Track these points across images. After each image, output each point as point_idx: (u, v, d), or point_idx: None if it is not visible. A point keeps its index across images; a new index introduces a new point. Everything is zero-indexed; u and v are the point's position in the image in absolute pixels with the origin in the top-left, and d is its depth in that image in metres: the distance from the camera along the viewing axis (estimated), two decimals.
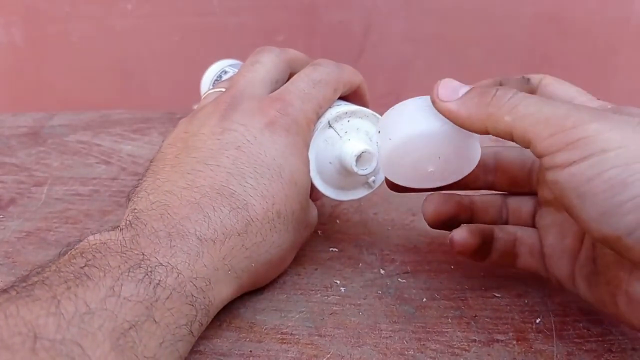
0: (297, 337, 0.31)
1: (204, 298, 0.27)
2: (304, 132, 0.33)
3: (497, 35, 0.60)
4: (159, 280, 0.25)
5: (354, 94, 0.38)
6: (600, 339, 0.31)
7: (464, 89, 0.28)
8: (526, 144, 0.25)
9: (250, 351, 0.30)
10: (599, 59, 0.59)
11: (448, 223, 0.34)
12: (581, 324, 0.32)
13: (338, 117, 0.34)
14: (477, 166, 0.31)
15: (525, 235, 0.33)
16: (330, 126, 0.34)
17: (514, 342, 0.30)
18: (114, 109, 0.61)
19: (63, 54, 0.66)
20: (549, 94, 0.29)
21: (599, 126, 0.23)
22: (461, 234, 0.32)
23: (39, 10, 0.65)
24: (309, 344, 0.30)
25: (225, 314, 0.32)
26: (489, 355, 0.30)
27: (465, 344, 0.30)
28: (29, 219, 0.40)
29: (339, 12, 0.61)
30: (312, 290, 0.34)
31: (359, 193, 0.36)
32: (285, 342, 0.30)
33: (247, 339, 0.30)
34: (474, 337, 0.31)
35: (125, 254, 0.25)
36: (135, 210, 0.29)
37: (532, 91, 0.30)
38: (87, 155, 0.52)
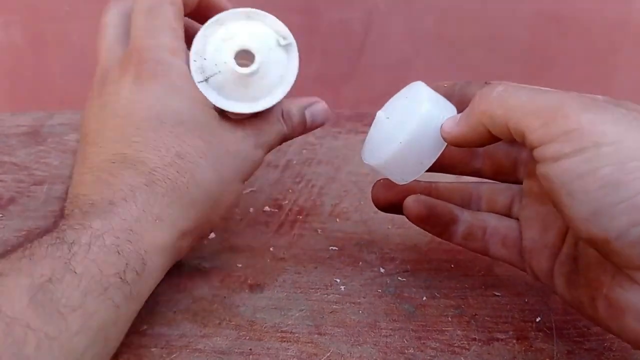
0: (297, 335, 0.31)
1: (133, 247, 0.27)
2: (174, 66, 0.32)
3: (497, 34, 0.60)
4: (74, 240, 0.26)
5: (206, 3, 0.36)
6: (600, 337, 0.31)
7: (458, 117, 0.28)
8: (521, 137, 0.24)
9: (250, 349, 0.30)
10: (599, 58, 0.59)
11: (397, 207, 0.33)
12: (581, 323, 0.32)
13: (210, 31, 0.32)
14: (466, 151, 0.32)
15: (500, 225, 0.32)
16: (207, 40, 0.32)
17: (514, 341, 0.30)
18: None
19: (63, 53, 0.66)
20: None
21: (593, 117, 0.22)
22: (408, 201, 0.32)
23: (39, 10, 0.65)
24: (308, 343, 0.30)
25: (225, 312, 0.32)
26: (489, 354, 0.30)
27: (465, 342, 0.30)
28: (29, 217, 0.40)
29: (339, 11, 0.61)
30: (312, 289, 0.34)
31: (267, 102, 0.33)
32: (285, 341, 0.30)
33: (247, 337, 0.30)
34: (474, 336, 0.31)
35: (45, 235, 0.27)
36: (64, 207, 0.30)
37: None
38: None
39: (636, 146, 0.21)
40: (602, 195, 0.21)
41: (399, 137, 0.29)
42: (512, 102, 0.24)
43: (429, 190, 0.34)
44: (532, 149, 0.23)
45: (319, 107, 0.36)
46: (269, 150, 0.34)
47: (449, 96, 0.30)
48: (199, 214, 0.31)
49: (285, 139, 0.35)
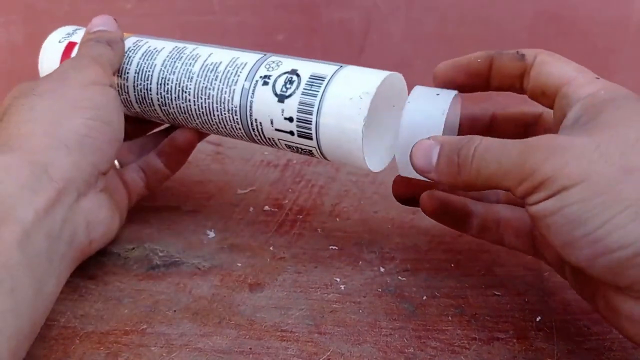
0: (297, 334, 0.31)
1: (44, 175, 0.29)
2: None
3: (498, 34, 0.60)
4: None
5: None
6: (600, 337, 0.31)
7: (435, 150, 0.28)
8: (507, 190, 0.26)
9: (250, 348, 0.30)
10: (599, 58, 0.59)
11: (416, 200, 0.34)
12: (582, 323, 0.31)
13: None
14: None
15: (513, 216, 0.33)
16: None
17: (514, 341, 0.30)
18: None
19: None
20: (545, 74, 0.28)
21: (555, 165, 0.23)
22: (423, 197, 0.34)
23: (39, 10, 0.65)
24: (308, 342, 0.30)
25: (225, 311, 0.32)
26: (489, 353, 0.30)
27: (466, 342, 0.30)
28: None
29: (339, 11, 0.60)
30: (312, 288, 0.34)
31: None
32: (285, 340, 0.30)
33: (247, 337, 0.30)
34: (474, 335, 0.31)
35: None
36: None
37: (526, 68, 0.29)
38: None
39: (598, 182, 0.22)
40: (569, 230, 0.23)
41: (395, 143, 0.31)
42: (485, 172, 0.26)
43: (443, 186, 0.34)
44: (518, 197, 0.25)
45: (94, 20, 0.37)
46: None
47: (482, 70, 0.31)
48: (91, 147, 0.32)
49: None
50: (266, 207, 0.42)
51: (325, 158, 0.32)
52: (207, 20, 0.62)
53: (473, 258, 0.37)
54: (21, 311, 0.25)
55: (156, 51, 0.36)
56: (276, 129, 0.32)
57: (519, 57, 0.30)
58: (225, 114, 0.34)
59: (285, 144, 0.33)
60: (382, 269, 0.36)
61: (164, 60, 0.35)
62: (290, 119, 0.31)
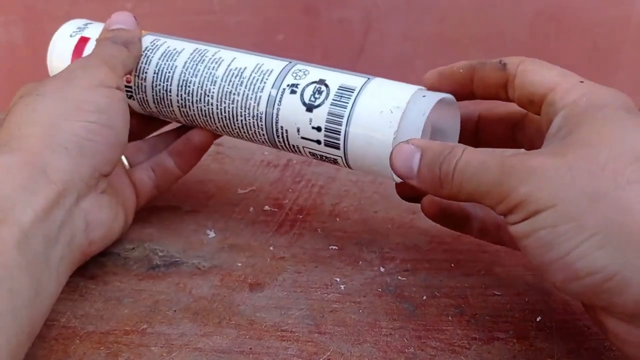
0: (297, 334, 0.31)
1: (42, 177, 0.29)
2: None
3: (497, 34, 0.60)
4: None
5: None
6: (600, 337, 0.31)
7: (416, 157, 0.28)
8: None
9: (250, 348, 0.30)
10: (599, 57, 0.59)
11: (419, 198, 0.35)
12: (582, 323, 0.32)
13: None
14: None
15: None
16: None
17: (514, 340, 0.30)
18: None
19: None
20: (529, 82, 0.28)
21: (529, 188, 0.24)
22: (424, 201, 0.34)
23: (39, 9, 0.65)
24: (309, 342, 0.30)
25: (225, 310, 0.32)
26: (489, 353, 0.30)
27: (466, 342, 0.30)
28: None
29: (339, 10, 0.61)
30: (312, 288, 0.34)
31: None
32: (285, 340, 0.30)
33: (247, 336, 0.30)
34: (475, 335, 0.31)
35: None
36: None
37: (508, 78, 0.29)
38: None
39: (566, 208, 0.23)
40: (541, 254, 0.24)
41: None
42: (467, 188, 0.26)
43: None
44: (499, 215, 0.26)
45: (113, 17, 0.37)
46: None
47: (465, 80, 0.31)
48: (89, 151, 0.31)
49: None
50: (266, 207, 0.42)
51: (349, 167, 0.33)
52: (207, 20, 0.62)
53: (473, 258, 0.37)
54: (20, 312, 0.25)
55: (176, 52, 0.36)
56: (302, 137, 0.33)
57: (501, 66, 0.29)
58: (249, 119, 0.34)
59: (310, 152, 0.33)
60: (382, 269, 0.36)
61: (185, 62, 0.35)
62: (319, 129, 0.32)
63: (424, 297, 0.33)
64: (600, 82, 0.28)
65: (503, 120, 0.34)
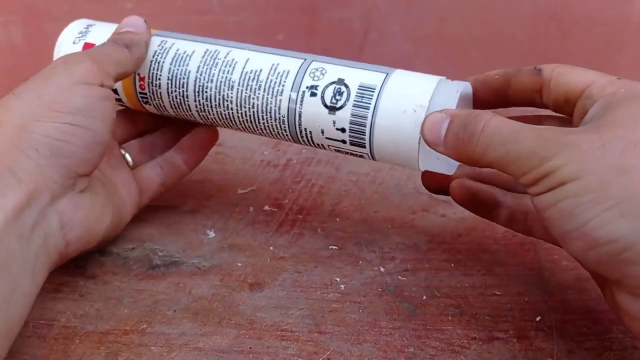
0: (297, 334, 0.31)
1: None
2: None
3: (498, 34, 0.60)
4: None
5: None
6: (600, 337, 0.31)
7: (445, 123, 0.28)
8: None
9: (250, 348, 0.30)
10: (599, 58, 0.59)
11: (446, 189, 0.35)
12: (581, 322, 0.32)
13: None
14: None
15: None
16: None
17: (514, 340, 0.30)
18: None
19: None
20: (565, 82, 0.29)
21: (560, 160, 0.24)
22: (453, 185, 0.34)
23: (39, 9, 0.64)
24: (309, 341, 0.30)
25: (225, 310, 0.32)
26: (489, 353, 0.30)
27: (466, 341, 0.30)
28: None
29: (339, 10, 0.60)
30: (312, 288, 0.34)
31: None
32: (285, 339, 0.30)
33: (247, 336, 0.30)
34: (474, 335, 0.31)
35: None
36: None
37: (543, 82, 0.30)
38: None
39: (592, 180, 0.24)
40: (562, 224, 0.24)
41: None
42: (492, 154, 0.26)
43: (474, 174, 0.35)
44: (520, 184, 0.26)
45: (125, 21, 0.36)
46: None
47: (501, 87, 0.32)
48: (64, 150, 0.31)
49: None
50: (266, 207, 0.42)
51: (374, 160, 0.33)
52: (207, 20, 0.62)
53: (473, 258, 0.37)
54: None
55: (187, 55, 0.35)
56: (327, 137, 0.33)
57: (536, 72, 0.30)
58: (271, 122, 0.34)
59: (335, 149, 0.33)
60: (382, 269, 0.36)
61: (199, 67, 0.35)
62: (343, 130, 0.32)
63: (424, 297, 0.33)
64: None
65: None
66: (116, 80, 0.34)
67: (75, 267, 0.35)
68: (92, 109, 0.32)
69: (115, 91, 0.37)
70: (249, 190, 0.44)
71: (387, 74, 0.32)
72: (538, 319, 0.32)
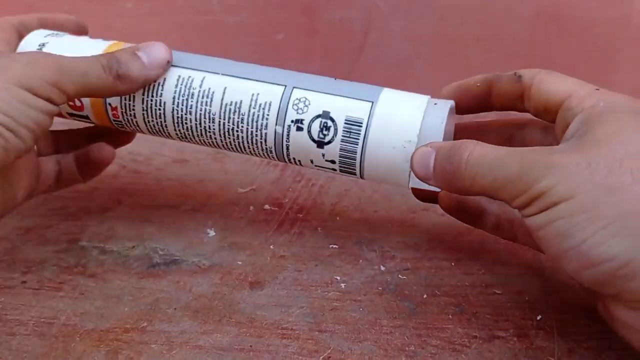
0: (297, 332, 0.31)
1: None
2: None
3: (498, 34, 0.60)
4: None
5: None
6: (601, 336, 0.31)
7: (432, 157, 0.29)
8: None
9: (251, 346, 0.30)
10: (600, 57, 0.59)
11: (435, 198, 0.36)
12: (582, 321, 0.32)
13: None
14: None
15: None
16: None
17: (515, 339, 0.30)
18: None
19: None
20: (545, 91, 0.29)
21: (549, 182, 0.24)
22: (441, 194, 0.35)
23: (39, 9, 0.65)
24: (309, 339, 0.30)
25: (226, 309, 0.32)
26: (489, 351, 0.30)
27: (466, 340, 0.30)
28: (29, 215, 0.40)
29: (339, 10, 0.60)
30: (313, 286, 0.34)
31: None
32: (285, 337, 0.30)
33: (248, 334, 0.30)
34: (475, 334, 0.31)
35: None
36: None
37: (524, 90, 0.30)
38: None
39: (583, 200, 0.24)
40: (557, 243, 0.25)
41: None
42: (480, 182, 0.27)
43: None
44: (513, 208, 0.27)
45: (152, 45, 0.33)
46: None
47: (483, 94, 0.32)
48: None
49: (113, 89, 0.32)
50: (266, 206, 0.42)
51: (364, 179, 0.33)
52: (207, 20, 0.62)
53: (473, 257, 0.37)
54: None
55: (159, 84, 0.33)
56: (317, 166, 0.33)
57: (517, 78, 0.31)
58: (258, 151, 0.34)
59: (327, 172, 0.34)
60: (382, 268, 0.36)
61: (174, 98, 0.33)
62: (333, 162, 0.32)
63: (425, 296, 0.33)
64: (600, 82, 0.29)
65: (502, 127, 0.35)
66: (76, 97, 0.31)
67: (75, 266, 0.35)
68: (18, 120, 0.28)
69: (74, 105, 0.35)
70: (249, 189, 0.44)
71: (373, 102, 0.31)
72: (539, 317, 0.32)
